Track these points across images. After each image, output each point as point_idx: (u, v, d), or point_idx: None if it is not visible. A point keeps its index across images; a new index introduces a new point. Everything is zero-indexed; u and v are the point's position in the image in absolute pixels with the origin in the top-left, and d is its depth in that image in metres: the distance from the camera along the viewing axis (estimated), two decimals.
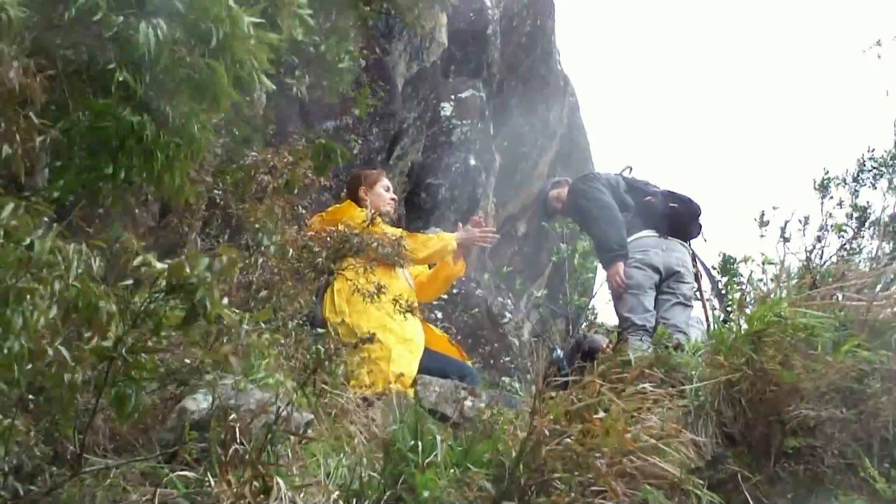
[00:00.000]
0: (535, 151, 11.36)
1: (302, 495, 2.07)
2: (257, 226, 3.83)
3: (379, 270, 4.47)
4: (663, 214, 5.71)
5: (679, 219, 5.75)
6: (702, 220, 5.93)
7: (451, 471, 2.08)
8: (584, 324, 9.96)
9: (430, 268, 5.48)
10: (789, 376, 2.72)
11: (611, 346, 4.31)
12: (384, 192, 5.27)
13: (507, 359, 8.30)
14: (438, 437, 2.23)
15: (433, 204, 8.96)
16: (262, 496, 2.00)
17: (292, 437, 2.38)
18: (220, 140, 3.72)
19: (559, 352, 5.84)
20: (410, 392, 4.14)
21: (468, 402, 3.51)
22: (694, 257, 5.94)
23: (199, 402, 2.37)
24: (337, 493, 2.14)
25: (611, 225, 5.56)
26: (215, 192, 3.88)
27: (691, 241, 5.95)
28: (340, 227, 4.45)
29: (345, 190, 5.56)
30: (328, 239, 4.27)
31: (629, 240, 5.62)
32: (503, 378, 7.28)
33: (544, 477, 2.04)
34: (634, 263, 5.54)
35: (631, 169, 6.15)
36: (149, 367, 2.04)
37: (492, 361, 8.00)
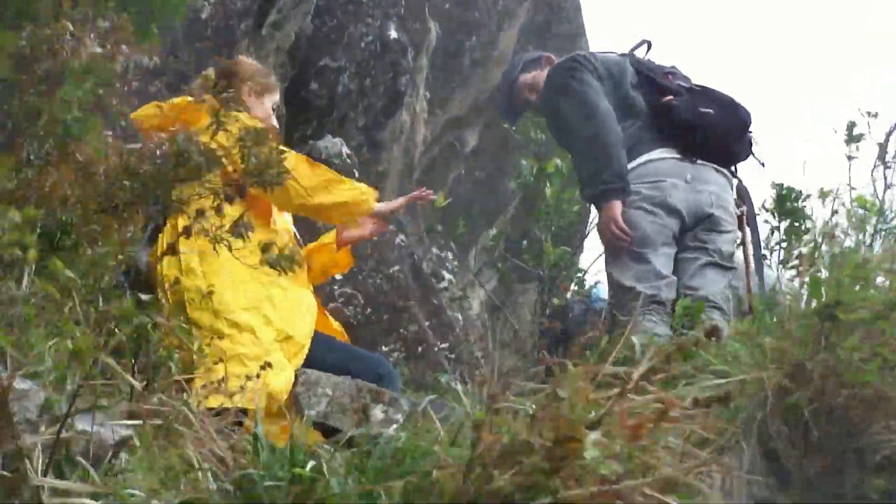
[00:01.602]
0: (492, 19, 11.33)
1: None
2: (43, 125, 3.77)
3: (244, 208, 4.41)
4: (691, 125, 5.56)
5: (715, 132, 5.59)
6: (753, 134, 5.85)
7: None
8: (572, 289, 10.05)
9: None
10: (879, 378, 2.68)
11: (602, 326, 4.31)
12: (271, 112, 5.26)
13: (445, 346, 8.36)
14: (327, 465, 2.24)
15: (329, 100, 8.90)
16: None
17: (94, 464, 2.37)
18: None
19: (602, 290, 5.90)
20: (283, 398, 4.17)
21: (377, 413, 3.52)
22: (741, 192, 5.91)
23: None
24: None
25: (601, 143, 5.40)
26: None
27: (736, 167, 5.90)
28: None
29: (202, 79, 5.41)
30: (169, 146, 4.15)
31: (634, 164, 5.52)
32: (437, 375, 7.32)
33: None
34: (641, 204, 5.43)
35: (648, 46, 6.02)
36: None
37: (420, 349, 8.03)
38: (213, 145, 3.92)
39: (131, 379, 2.81)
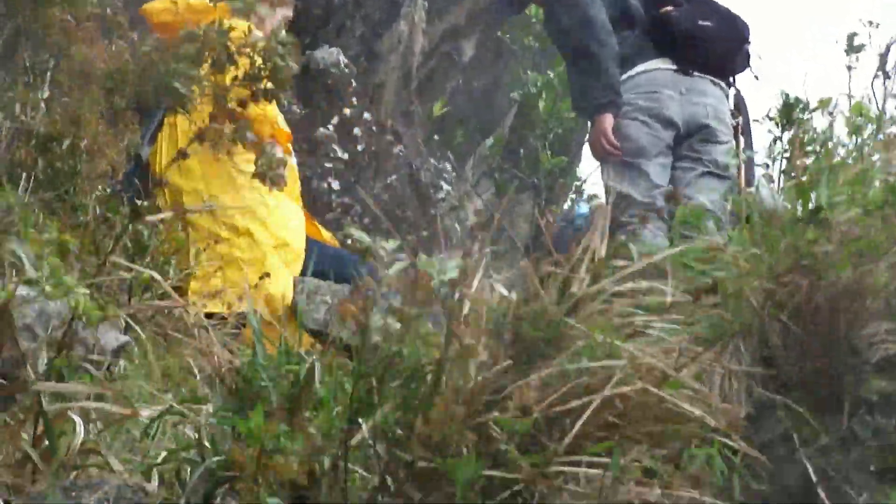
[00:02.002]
0: None
1: (113, 462, 2.09)
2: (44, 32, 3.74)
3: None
4: (689, 37, 5.53)
5: (713, 45, 5.57)
6: (751, 46, 5.82)
7: (334, 421, 2.11)
8: (568, 200, 10.05)
9: None
10: (879, 280, 2.66)
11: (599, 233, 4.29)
12: (282, 27, 5.14)
13: (442, 256, 8.36)
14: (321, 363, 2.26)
15: (326, 10, 8.84)
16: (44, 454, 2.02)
17: (95, 369, 2.39)
18: None
19: (584, 205, 5.87)
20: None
21: (376, 319, 3.52)
22: (737, 103, 5.88)
23: None
24: (163, 454, 2.16)
25: (594, 56, 5.34)
26: None
27: (734, 79, 5.85)
28: None
29: None
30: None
31: (631, 73, 5.48)
32: None
33: (477, 419, 2.07)
34: (636, 114, 5.40)
35: None
36: None
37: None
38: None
39: (143, 269, 2.82)
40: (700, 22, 5.55)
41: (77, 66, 3.73)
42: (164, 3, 4.77)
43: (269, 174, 3.77)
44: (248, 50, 3.73)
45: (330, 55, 8.67)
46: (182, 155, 3.86)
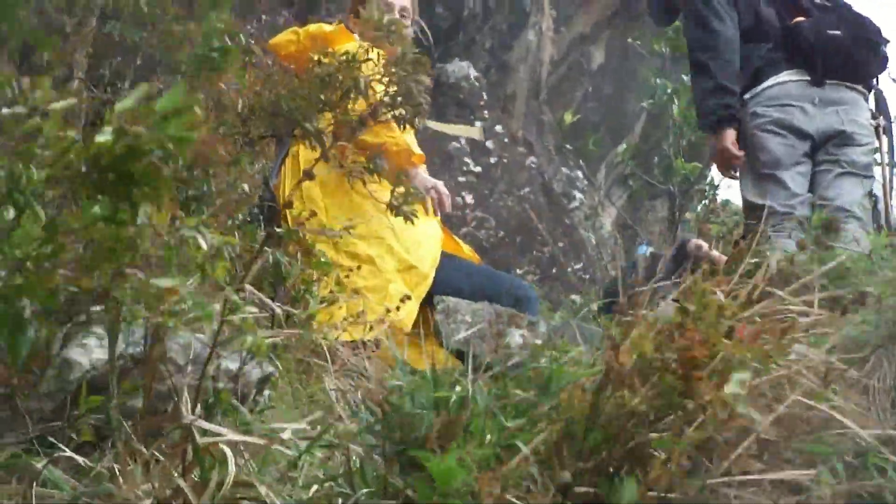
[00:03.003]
0: None
1: (264, 490, 2.08)
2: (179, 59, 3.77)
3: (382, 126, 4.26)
4: (817, 48, 5.45)
5: (844, 53, 5.48)
6: (888, 46, 5.69)
7: (487, 449, 2.07)
8: (700, 207, 9.93)
9: None
10: None
11: (736, 247, 4.20)
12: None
13: (579, 266, 8.32)
14: (472, 394, 2.22)
15: (455, 23, 8.85)
16: (198, 488, 2.01)
17: (240, 401, 2.39)
18: None
19: (646, 248, 5.80)
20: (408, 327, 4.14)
21: (516, 338, 3.47)
22: (878, 103, 5.75)
23: (90, 352, 2.37)
24: (314, 487, 2.14)
25: (712, 72, 5.32)
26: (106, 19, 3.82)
27: (877, 79, 5.72)
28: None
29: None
30: (312, 70, 4.00)
31: (764, 86, 5.43)
32: (572, 297, 7.29)
33: (632, 442, 2.03)
34: (770, 126, 5.35)
35: None
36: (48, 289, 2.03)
37: (553, 271, 8.01)
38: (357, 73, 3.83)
39: (274, 305, 2.82)
40: (829, 31, 5.46)
41: (213, 95, 3.76)
42: (288, 35, 4.80)
43: (403, 208, 3.76)
44: (381, 77, 3.72)
45: (460, 69, 8.69)
46: (308, 176, 3.85)
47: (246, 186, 3.69)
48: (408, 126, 4.04)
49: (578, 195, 10.08)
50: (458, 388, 2.20)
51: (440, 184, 4.78)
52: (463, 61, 8.78)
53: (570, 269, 8.13)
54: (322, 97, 3.78)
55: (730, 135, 5.32)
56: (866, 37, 5.50)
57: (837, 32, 5.43)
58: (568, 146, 10.29)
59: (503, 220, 7.91)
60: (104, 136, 1.71)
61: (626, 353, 2.03)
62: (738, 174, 5.46)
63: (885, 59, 5.61)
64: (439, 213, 4.88)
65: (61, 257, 2.03)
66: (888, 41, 5.62)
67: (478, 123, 8.63)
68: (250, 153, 4.00)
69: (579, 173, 10.55)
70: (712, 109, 5.38)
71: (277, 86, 3.85)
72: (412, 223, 3.93)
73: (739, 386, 1.87)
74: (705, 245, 5.68)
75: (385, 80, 3.75)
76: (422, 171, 4.80)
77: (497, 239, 7.73)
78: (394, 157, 4.40)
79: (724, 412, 1.85)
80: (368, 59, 3.77)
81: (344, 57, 3.79)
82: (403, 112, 3.72)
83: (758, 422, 1.84)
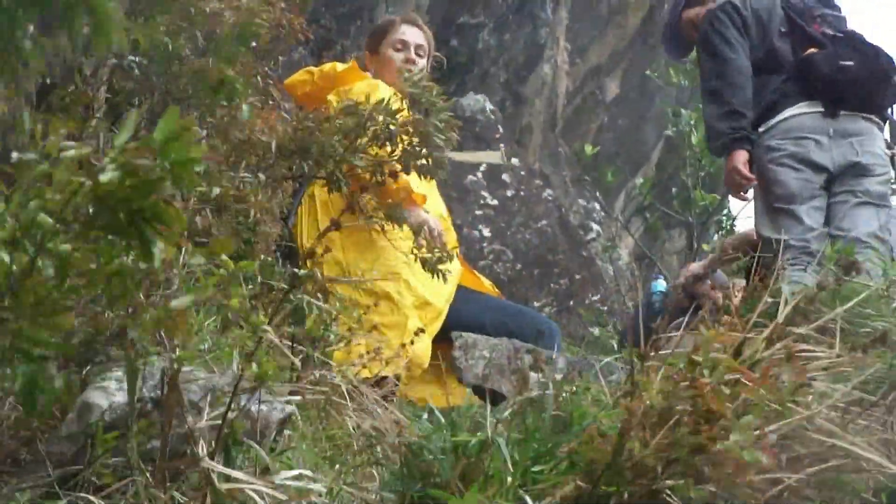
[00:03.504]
0: None
1: None
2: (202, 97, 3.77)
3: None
4: (830, 80, 5.45)
5: (856, 84, 5.48)
6: None
7: (506, 489, 2.07)
8: (717, 236, 9.91)
9: None
10: None
11: (743, 285, 4.18)
12: (394, 52, 5.07)
13: (596, 298, 8.30)
14: (492, 434, 2.22)
15: (470, 57, 8.87)
16: None
17: (259, 442, 2.38)
18: None
19: (661, 284, 5.76)
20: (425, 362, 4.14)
21: (535, 375, 3.46)
22: (893, 133, 5.74)
23: (110, 394, 2.37)
24: None
25: (724, 97, 5.35)
26: (125, 60, 3.82)
27: (892, 109, 5.71)
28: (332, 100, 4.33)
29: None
30: (333, 115, 4.00)
31: (778, 119, 5.43)
32: (590, 329, 7.28)
33: (653, 486, 2.04)
34: (785, 160, 5.36)
35: None
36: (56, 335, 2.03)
37: (571, 303, 7.99)
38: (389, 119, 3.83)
39: (291, 356, 2.82)
40: (842, 63, 5.44)
41: (237, 135, 3.77)
42: (303, 75, 4.82)
43: (436, 265, 3.77)
44: (408, 128, 3.73)
45: (476, 102, 8.71)
46: (336, 225, 3.86)
47: (268, 228, 3.71)
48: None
49: (595, 227, 10.10)
50: (477, 431, 2.20)
51: (432, 220, 4.72)
52: (478, 94, 8.80)
53: (587, 302, 8.12)
54: (356, 142, 3.80)
55: (741, 156, 5.33)
56: (880, 67, 5.50)
57: (850, 63, 5.43)
58: (586, 178, 10.29)
59: (520, 253, 7.91)
60: (108, 175, 1.71)
61: (639, 403, 2.04)
62: (748, 195, 5.47)
63: None
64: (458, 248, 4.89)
65: (75, 299, 2.04)
66: None
67: (501, 146, 8.65)
68: (272, 191, 4.01)
69: (596, 205, 10.56)
70: (724, 132, 5.40)
71: (309, 125, 3.86)
72: (444, 280, 3.95)
73: (744, 433, 1.87)
74: (694, 269, 5.66)
75: (411, 133, 3.78)
76: (418, 210, 4.77)
77: (514, 272, 7.73)
78: (393, 194, 4.39)
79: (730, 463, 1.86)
80: (402, 109, 3.80)
81: (379, 104, 3.81)
82: (426, 162, 3.75)
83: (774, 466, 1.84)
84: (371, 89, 4.41)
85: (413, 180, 4.53)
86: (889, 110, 5.65)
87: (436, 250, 3.86)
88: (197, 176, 1.81)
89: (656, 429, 2.00)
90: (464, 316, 4.57)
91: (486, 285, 5.08)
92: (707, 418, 1.94)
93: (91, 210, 1.81)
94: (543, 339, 4.49)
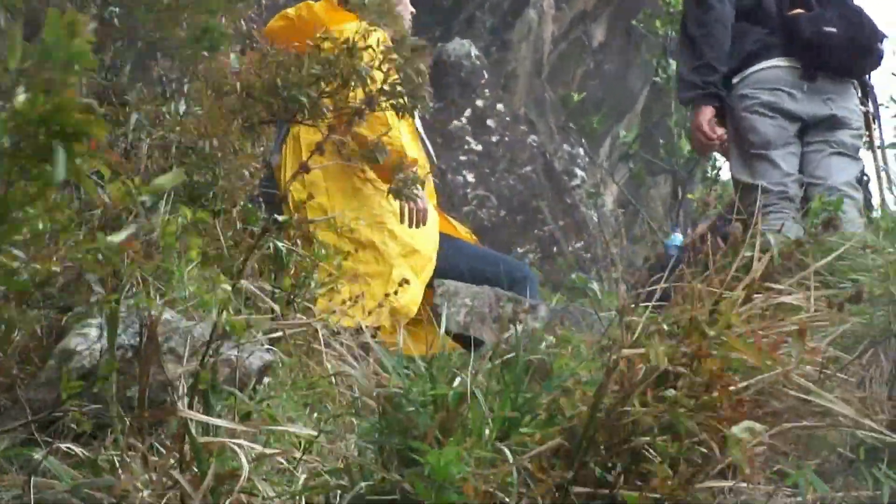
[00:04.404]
0: None
1: (262, 482, 2.07)
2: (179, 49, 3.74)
3: (378, 120, 4.21)
4: (812, 45, 5.41)
5: (837, 51, 5.44)
6: (885, 46, 5.62)
7: (485, 441, 2.07)
8: (700, 186, 9.90)
9: None
10: None
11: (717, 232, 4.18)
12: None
13: (579, 245, 8.29)
14: (471, 387, 2.20)
15: (455, 2, 8.81)
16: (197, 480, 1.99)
17: (240, 389, 2.37)
18: None
19: (678, 237, 5.75)
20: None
21: (517, 323, 3.44)
22: (865, 91, 5.73)
23: (89, 340, 2.36)
24: (306, 477, 2.14)
25: (699, 47, 5.29)
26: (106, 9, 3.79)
27: (868, 75, 5.69)
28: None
29: None
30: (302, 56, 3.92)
31: (756, 68, 5.38)
32: (572, 275, 7.25)
33: (632, 443, 2.03)
34: (759, 108, 5.34)
35: None
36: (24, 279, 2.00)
37: (554, 249, 7.98)
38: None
39: (272, 302, 2.81)
40: (825, 28, 5.40)
41: (210, 79, 3.73)
42: (281, 20, 4.73)
43: (404, 192, 3.74)
44: (381, 64, 3.68)
45: (461, 47, 8.65)
46: (304, 168, 3.82)
47: (247, 172, 3.67)
48: (407, 115, 4.02)
49: (580, 173, 10.07)
50: (456, 383, 2.19)
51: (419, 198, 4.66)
52: (464, 39, 8.74)
53: (571, 249, 8.11)
54: (322, 84, 3.75)
55: (707, 112, 5.29)
56: (862, 36, 5.46)
57: (833, 30, 5.38)
58: (571, 125, 10.26)
59: (504, 199, 7.89)
60: (21, 98, 1.67)
61: (635, 361, 2.03)
62: (710, 153, 5.44)
63: (880, 57, 5.59)
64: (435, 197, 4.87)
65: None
66: (885, 37, 5.58)
67: (479, 102, 8.60)
68: (251, 137, 3.98)
69: (581, 151, 10.53)
70: (694, 83, 5.36)
71: (274, 68, 3.81)
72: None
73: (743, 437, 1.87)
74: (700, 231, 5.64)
75: (384, 67, 3.73)
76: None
77: (498, 218, 7.72)
78: (371, 127, 4.32)
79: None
80: (368, 47, 3.75)
81: (344, 44, 3.75)
82: (403, 101, 3.70)
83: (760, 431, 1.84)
84: (366, 33, 4.34)
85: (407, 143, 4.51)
86: (867, 76, 5.65)
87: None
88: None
89: (634, 386, 2.00)
90: (442, 264, 4.55)
91: (462, 232, 5.05)
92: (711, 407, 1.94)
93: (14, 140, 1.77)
94: (520, 287, 4.46)
